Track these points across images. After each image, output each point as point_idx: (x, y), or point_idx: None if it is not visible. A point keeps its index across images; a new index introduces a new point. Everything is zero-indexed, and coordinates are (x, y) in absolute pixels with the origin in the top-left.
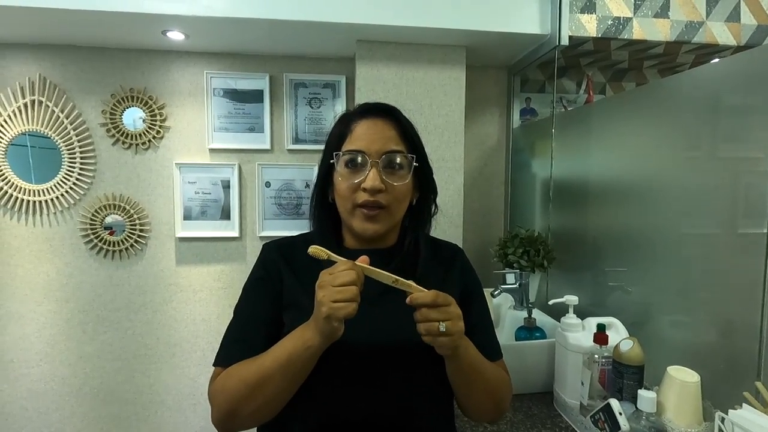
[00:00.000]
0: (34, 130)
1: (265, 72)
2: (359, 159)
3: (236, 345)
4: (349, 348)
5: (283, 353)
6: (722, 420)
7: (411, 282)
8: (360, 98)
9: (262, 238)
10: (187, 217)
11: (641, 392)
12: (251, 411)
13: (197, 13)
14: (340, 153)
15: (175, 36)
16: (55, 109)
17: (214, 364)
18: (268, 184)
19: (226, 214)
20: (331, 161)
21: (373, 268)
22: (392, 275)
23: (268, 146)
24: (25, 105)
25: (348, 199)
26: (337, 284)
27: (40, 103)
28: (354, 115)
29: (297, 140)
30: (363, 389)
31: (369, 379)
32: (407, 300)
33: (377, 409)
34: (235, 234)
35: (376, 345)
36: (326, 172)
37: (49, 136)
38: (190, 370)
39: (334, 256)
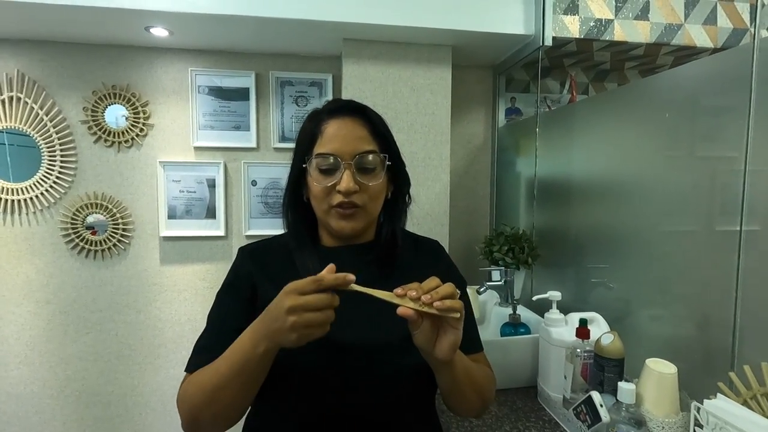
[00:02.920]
0: (13, 127)
1: (250, 70)
2: (332, 161)
3: (203, 352)
4: (333, 344)
5: (237, 360)
6: (698, 410)
7: (408, 301)
8: (346, 97)
9: (248, 236)
10: (171, 216)
11: (621, 384)
12: (211, 417)
13: (181, 10)
14: (312, 156)
15: (159, 32)
16: (34, 105)
17: (185, 371)
18: (254, 183)
19: (211, 213)
20: (304, 165)
21: (367, 290)
22: (386, 293)
23: (254, 144)
24: (2, 102)
25: (323, 201)
26: (311, 308)
27: (19, 99)
28: (323, 113)
29: (283, 138)
30: (346, 385)
31: (353, 374)
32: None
33: (360, 406)
34: (221, 233)
35: (361, 341)
36: (299, 172)
37: (28, 133)
38: (174, 371)
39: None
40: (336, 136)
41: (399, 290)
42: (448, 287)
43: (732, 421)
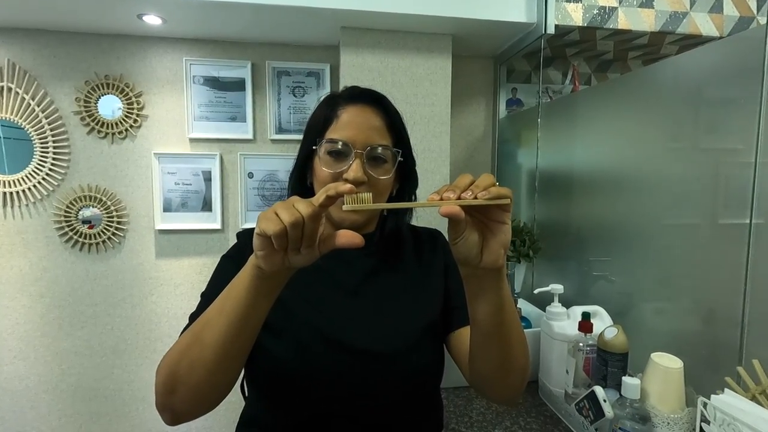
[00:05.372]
0: (4, 118)
1: (246, 59)
2: (343, 149)
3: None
4: (336, 346)
5: (224, 292)
6: (704, 405)
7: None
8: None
9: (245, 230)
10: (166, 208)
11: (625, 379)
12: (188, 368)
13: None
14: (324, 140)
15: (152, 20)
16: (25, 96)
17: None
18: (250, 175)
19: (207, 206)
20: (314, 147)
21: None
22: (419, 202)
23: (250, 136)
24: None
25: None
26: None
27: (10, 89)
28: (341, 99)
29: (280, 130)
30: (346, 387)
31: (354, 377)
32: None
33: (360, 407)
34: (217, 226)
35: (357, 340)
36: (307, 155)
37: (20, 124)
38: None
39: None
40: (351, 123)
41: (434, 195)
42: (487, 177)
43: (740, 417)
